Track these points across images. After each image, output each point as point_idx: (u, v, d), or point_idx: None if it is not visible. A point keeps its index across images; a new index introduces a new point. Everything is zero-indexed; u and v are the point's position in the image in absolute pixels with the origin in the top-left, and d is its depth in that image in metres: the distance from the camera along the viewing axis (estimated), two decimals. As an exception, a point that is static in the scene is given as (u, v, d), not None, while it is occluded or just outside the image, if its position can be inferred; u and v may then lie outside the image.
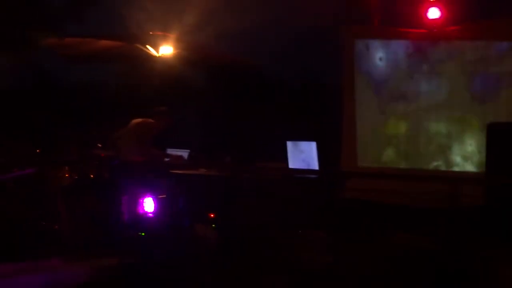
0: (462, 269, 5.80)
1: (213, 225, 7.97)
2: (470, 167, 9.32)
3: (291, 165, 7.62)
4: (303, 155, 7.54)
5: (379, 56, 10.21)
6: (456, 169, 9.41)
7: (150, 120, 8.44)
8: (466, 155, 9.41)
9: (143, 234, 7.76)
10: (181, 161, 8.70)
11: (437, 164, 9.64)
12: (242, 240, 7.33)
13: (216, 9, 9.24)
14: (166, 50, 9.98)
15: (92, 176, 8.99)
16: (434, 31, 9.70)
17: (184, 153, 9.04)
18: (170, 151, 8.97)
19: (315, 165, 7.50)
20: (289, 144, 7.64)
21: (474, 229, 6.12)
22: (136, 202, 7.90)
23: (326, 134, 9.69)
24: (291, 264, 6.69)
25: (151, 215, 7.91)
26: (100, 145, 9.59)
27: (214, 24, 9.44)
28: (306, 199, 7.43)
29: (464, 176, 8.98)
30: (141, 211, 7.93)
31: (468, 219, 6.12)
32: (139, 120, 8.51)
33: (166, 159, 8.61)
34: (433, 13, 9.57)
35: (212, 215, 8.08)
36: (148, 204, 7.93)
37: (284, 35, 10.02)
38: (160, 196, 8.03)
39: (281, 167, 7.96)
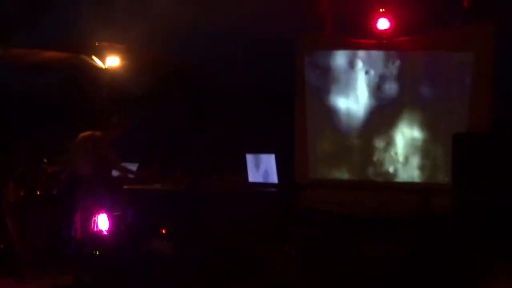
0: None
1: (168, 241, 7.78)
2: (420, 177, 9.49)
3: (251, 178, 7.53)
4: (262, 167, 7.46)
5: (329, 66, 10.19)
6: (410, 180, 9.52)
7: (98, 132, 8.18)
8: (417, 165, 9.54)
9: (97, 252, 7.49)
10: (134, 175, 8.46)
11: (391, 175, 9.70)
12: (199, 254, 7.20)
13: (168, 16, 9.03)
14: (113, 61, 9.77)
15: (39, 192, 8.63)
16: (384, 42, 9.78)
17: (133, 167, 8.81)
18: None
19: (274, 178, 7.43)
20: (249, 157, 7.55)
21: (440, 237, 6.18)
22: (90, 219, 7.63)
23: (284, 146, 9.63)
24: (253, 278, 6.62)
25: (105, 233, 7.66)
26: (45, 160, 9.22)
27: (165, 32, 9.24)
28: (266, 211, 7.35)
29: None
30: (95, 229, 7.66)
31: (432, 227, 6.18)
32: (87, 133, 8.22)
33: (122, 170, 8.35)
34: (383, 24, 9.63)
35: (164, 231, 7.91)
36: (102, 222, 7.67)
37: (241, 43, 9.90)
38: (115, 213, 7.78)
39: (238, 180, 7.85)
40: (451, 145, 6.84)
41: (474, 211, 6.02)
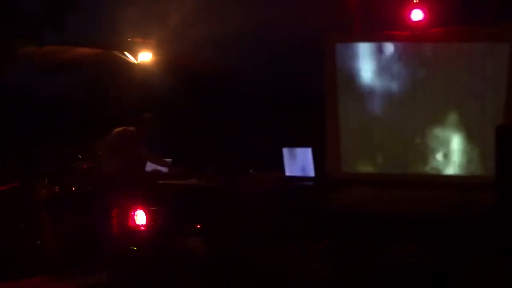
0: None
1: (204, 237, 7.74)
2: (459, 171, 9.32)
3: (288, 172, 7.48)
4: (299, 161, 7.41)
5: (362, 59, 10.09)
6: (450, 172, 9.39)
7: (131, 128, 8.17)
8: (456, 158, 9.38)
9: (135, 248, 7.48)
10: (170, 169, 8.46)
11: (429, 168, 9.57)
12: (233, 252, 7.15)
13: (197, 16, 9.03)
14: (145, 56, 9.77)
15: (74, 188, 8.65)
16: (418, 33, 9.65)
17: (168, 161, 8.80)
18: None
19: (311, 171, 7.37)
20: (285, 151, 7.49)
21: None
22: (127, 214, 7.62)
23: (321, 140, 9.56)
24: (287, 277, 6.55)
25: (142, 228, 7.64)
26: (80, 157, 9.26)
27: (195, 31, 9.23)
28: (301, 209, 7.27)
29: (470, 181, 8.89)
30: (132, 225, 7.64)
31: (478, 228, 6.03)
32: (120, 129, 8.23)
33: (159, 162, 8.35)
34: (417, 15, 9.51)
35: (199, 226, 7.87)
36: (140, 217, 7.65)
37: (269, 42, 9.87)
38: (152, 208, 7.76)
39: (274, 176, 7.80)
40: (494, 137, 6.68)
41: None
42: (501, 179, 6.34)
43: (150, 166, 8.83)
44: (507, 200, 6.07)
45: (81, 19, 11.00)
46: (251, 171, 8.30)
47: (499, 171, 6.46)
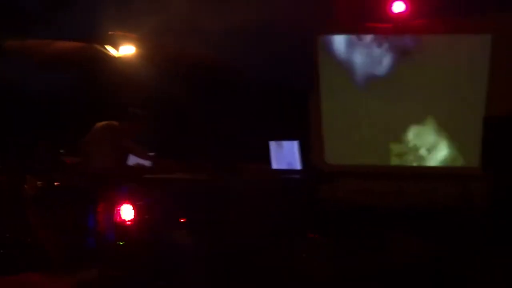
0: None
1: (190, 230, 7.74)
2: (446, 162, 9.39)
3: (275, 165, 7.49)
4: (286, 154, 7.42)
5: (343, 51, 10.12)
6: (433, 164, 9.48)
7: (115, 122, 8.12)
8: (439, 149, 9.46)
9: (122, 243, 7.44)
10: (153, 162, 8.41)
11: (413, 160, 9.65)
12: (221, 245, 7.16)
13: (179, 9, 8.97)
14: (126, 50, 9.70)
15: (58, 184, 8.57)
16: (399, 25, 9.69)
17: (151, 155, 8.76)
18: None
19: (297, 164, 7.39)
20: (272, 144, 7.50)
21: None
22: (113, 209, 7.57)
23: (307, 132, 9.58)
24: (276, 270, 6.58)
25: (129, 223, 7.60)
26: (63, 151, 9.18)
27: (178, 25, 9.17)
28: (290, 201, 7.30)
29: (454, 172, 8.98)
30: (119, 219, 7.60)
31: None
32: (103, 123, 8.16)
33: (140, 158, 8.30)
34: (398, 6, 9.55)
35: (185, 220, 7.86)
36: (126, 212, 7.61)
37: (256, 32, 9.82)
38: (139, 203, 7.73)
39: (261, 168, 7.81)
40: (482, 128, 6.76)
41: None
42: (489, 169, 6.42)
43: (132, 160, 8.79)
44: (496, 189, 6.16)
45: (66, 15, 10.91)
46: (238, 163, 8.29)
47: (486, 161, 6.54)
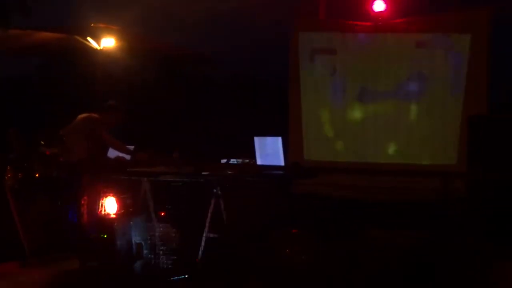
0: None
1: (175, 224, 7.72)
2: (421, 159, 9.55)
3: (259, 160, 7.51)
4: (270, 150, 7.45)
5: (324, 48, 10.20)
6: (410, 161, 9.59)
7: (95, 115, 8.10)
8: (417, 146, 9.60)
9: (105, 236, 7.41)
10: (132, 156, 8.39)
11: (390, 157, 9.76)
12: (206, 239, 7.15)
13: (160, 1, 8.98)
14: (108, 42, 9.65)
15: (37, 175, 8.50)
16: (379, 24, 9.82)
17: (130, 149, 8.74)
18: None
19: (280, 160, 7.42)
20: (257, 140, 7.51)
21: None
22: (96, 202, 7.54)
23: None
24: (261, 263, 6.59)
25: (113, 216, 7.57)
26: (42, 143, 9.10)
27: (159, 16, 9.18)
28: (274, 196, 7.33)
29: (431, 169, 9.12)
30: (102, 212, 7.57)
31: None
32: (84, 115, 8.14)
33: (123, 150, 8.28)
34: (379, 5, 9.69)
35: (166, 214, 7.85)
36: (110, 204, 7.58)
37: (241, 28, 9.89)
38: (122, 196, 7.70)
39: (245, 164, 7.82)
40: (467, 127, 6.89)
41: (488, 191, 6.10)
42: (473, 165, 6.57)
43: (112, 153, 8.77)
44: (478, 184, 6.30)
45: (46, 5, 10.84)
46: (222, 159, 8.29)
47: (470, 158, 6.68)
